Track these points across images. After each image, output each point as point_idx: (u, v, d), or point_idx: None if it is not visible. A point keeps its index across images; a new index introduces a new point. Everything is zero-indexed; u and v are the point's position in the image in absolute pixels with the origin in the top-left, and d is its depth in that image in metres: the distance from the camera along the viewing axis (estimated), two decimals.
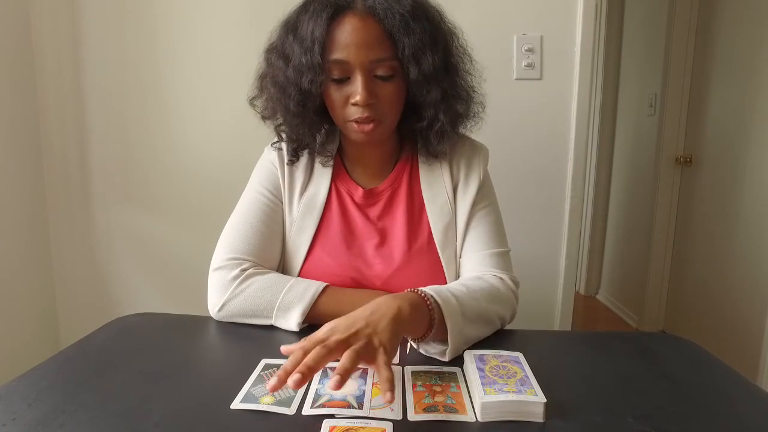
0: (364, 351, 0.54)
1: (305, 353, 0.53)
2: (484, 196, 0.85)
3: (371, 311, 0.59)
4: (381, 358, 0.54)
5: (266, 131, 0.87)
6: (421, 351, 0.66)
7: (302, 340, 0.56)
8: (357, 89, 0.73)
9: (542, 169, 1.47)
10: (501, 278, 0.79)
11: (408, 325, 0.60)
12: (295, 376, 0.50)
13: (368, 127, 0.75)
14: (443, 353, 0.64)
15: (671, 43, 2.33)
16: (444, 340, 0.64)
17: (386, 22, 0.71)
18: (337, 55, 0.72)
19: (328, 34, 0.72)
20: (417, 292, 0.65)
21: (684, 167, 2.39)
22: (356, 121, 0.75)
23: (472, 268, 0.81)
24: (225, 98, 1.47)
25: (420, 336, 0.64)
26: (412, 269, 0.81)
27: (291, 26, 0.76)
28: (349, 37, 0.71)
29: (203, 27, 1.46)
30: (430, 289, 0.66)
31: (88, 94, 1.51)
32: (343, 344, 0.54)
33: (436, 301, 0.65)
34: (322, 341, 0.54)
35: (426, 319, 0.63)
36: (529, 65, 1.42)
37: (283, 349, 0.58)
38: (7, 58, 1.42)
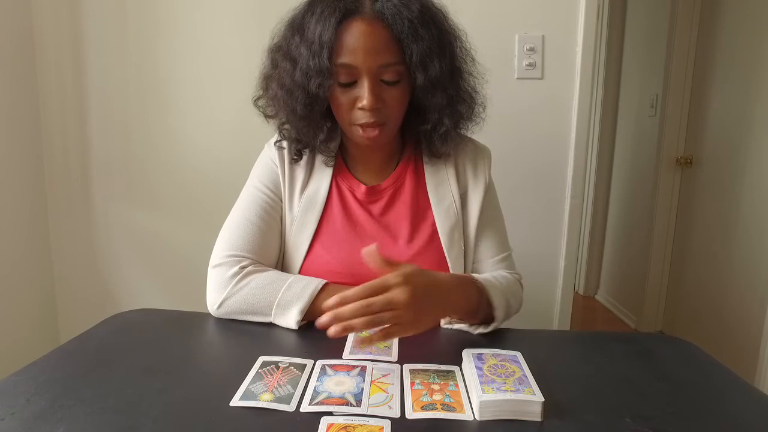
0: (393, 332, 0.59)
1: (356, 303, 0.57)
2: (491, 201, 0.88)
3: (442, 305, 0.66)
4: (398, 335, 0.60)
5: (267, 128, 0.87)
6: (453, 326, 0.73)
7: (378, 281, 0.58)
8: (364, 94, 0.73)
9: (542, 168, 1.47)
10: (516, 277, 0.86)
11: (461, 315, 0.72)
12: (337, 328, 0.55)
13: (374, 133, 0.76)
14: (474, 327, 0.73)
15: (673, 43, 2.33)
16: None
17: (395, 28, 0.71)
18: (345, 59, 0.72)
19: (336, 37, 0.71)
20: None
21: (684, 168, 2.39)
22: (362, 126, 0.76)
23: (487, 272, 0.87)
24: (226, 95, 1.47)
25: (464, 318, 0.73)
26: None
27: (297, 27, 0.76)
28: (357, 41, 0.71)
29: (205, 23, 1.46)
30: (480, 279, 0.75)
31: (89, 91, 1.50)
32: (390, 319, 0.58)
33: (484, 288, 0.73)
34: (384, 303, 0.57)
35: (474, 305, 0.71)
36: (531, 65, 1.42)
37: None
38: (8, 55, 1.42)
